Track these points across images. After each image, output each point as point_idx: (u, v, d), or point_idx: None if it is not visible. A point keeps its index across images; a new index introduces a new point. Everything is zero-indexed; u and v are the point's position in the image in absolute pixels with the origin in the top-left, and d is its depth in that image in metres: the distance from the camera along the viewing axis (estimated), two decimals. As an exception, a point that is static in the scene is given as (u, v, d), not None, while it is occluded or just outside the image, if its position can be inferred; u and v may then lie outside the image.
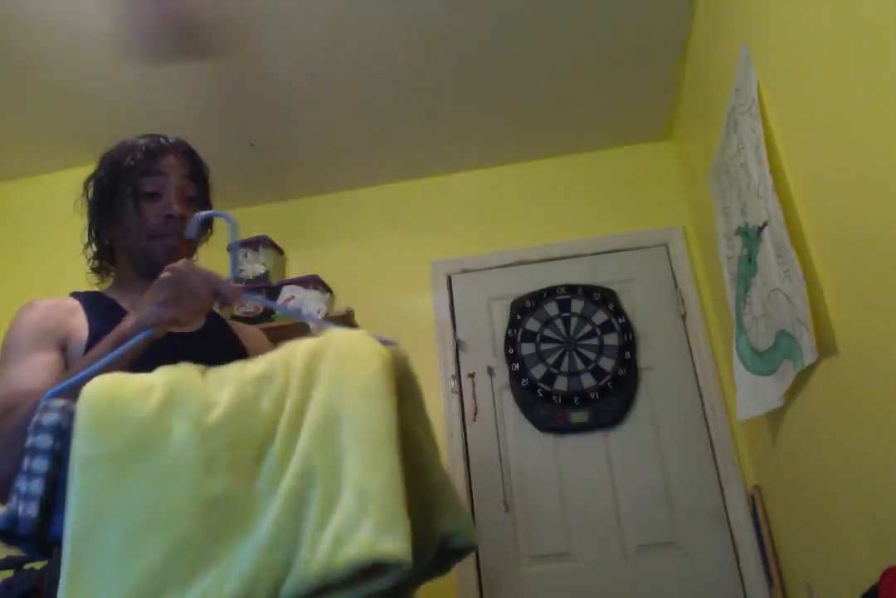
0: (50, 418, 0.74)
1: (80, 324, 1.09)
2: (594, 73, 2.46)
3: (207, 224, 1.26)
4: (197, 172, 1.20)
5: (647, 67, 2.45)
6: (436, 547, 0.77)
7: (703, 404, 2.50)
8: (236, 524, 0.67)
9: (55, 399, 0.77)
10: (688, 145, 2.64)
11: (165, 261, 1.12)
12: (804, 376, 1.55)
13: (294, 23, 2.10)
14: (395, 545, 0.63)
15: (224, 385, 0.77)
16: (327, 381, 0.75)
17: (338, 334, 0.81)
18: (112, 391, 0.74)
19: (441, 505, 0.77)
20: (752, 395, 1.92)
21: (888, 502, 1.25)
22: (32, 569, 1.73)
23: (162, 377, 0.77)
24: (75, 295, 1.18)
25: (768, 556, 2.11)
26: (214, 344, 1.17)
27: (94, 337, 1.05)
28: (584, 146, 2.91)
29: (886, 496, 1.25)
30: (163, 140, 1.19)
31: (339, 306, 2.81)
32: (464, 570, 2.40)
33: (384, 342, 0.82)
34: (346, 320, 2.64)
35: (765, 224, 1.62)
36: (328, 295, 2.82)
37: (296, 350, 0.80)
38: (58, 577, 0.66)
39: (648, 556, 2.36)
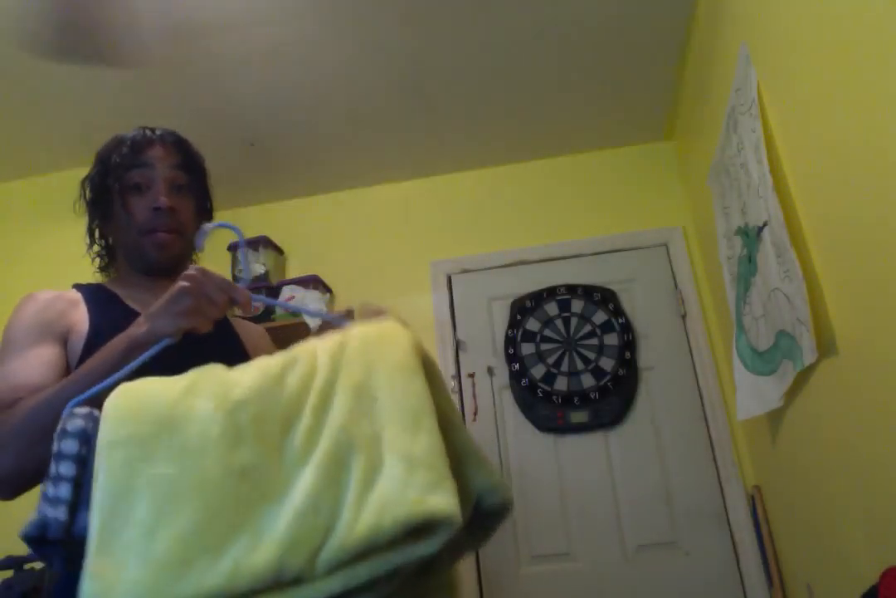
0: (75, 424, 0.75)
1: (81, 316, 1.07)
2: (594, 73, 2.46)
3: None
4: (188, 162, 1.16)
5: (646, 68, 2.45)
6: (471, 507, 0.77)
7: (703, 404, 2.50)
8: (266, 493, 0.67)
9: (79, 407, 0.78)
10: (688, 145, 2.64)
11: (158, 256, 1.12)
12: (804, 376, 1.55)
13: (294, 23, 2.10)
14: (444, 500, 0.63)
15: (248, 369, 0.78)
16: (358, 361, 0.76)
17: (361, 325, 0.83)
18: (139, 388, 0.76)
19: (472, 465, 0.77)
20: (752, 395, 1.92)
21: (888, 502, 1.25)
22: (32, 569, 1.73)
23: (189, 372, 0.78)
24: (77, 287, 1.17)
25: (768, 556, 2.11)
26: (216, 343, 1.15)
27: (96, 330, 1.04)
28: (584, 146, 2.91)
29: (886, 496, 1.25)
30: (149, 132, 1.16)
31: (339, 306, 2.81)
32: (464, 570, 2.40)
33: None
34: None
35: (765, 224, 1.62)
36: (328, 295, 2.82)
37: (317, 343, 0.81)
38: (56, 577, 0.66)
39: (648, 556, 2.36)
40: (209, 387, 0.75)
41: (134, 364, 0.86)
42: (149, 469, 0.68)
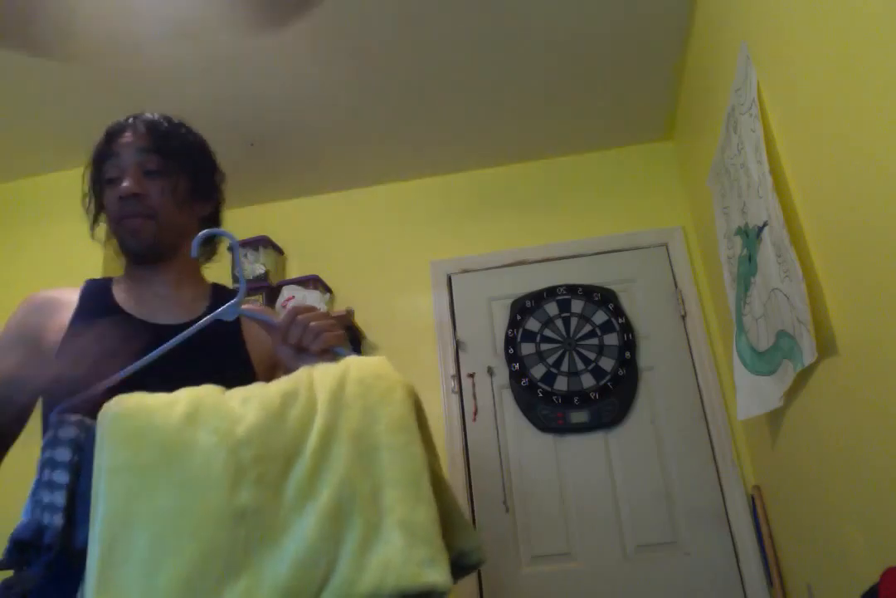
0: (67, 432, 0.77)
1: (62, 322, 1.08)
2: (594, 73, 2.46)
3: (207, 240, 1.18)
4: (160, 144, 1.12)
5: (647, 67, 2.45)
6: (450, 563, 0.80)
7: (703, 404, 2.50)
8: (264, 537, 0.69)
9: (69, 414, 0.79)
10: (688, 145, 2.64)
11: (132, 243, 1.11)
12: (804, 376, 1.55)
13: (293, 22, 2.10)
14: (440, 576, 0.68)
15: (248, 400, 0.79)
16: (357, 406, 0.78)
17: (356, 359, 0.86)
18: (136, 402, 0.76)
19: (457, 525, 0.80)
20: (752, 395, 1.92)
21: (888, 502, 1.25)
22: (32, 569, 1.73)
23: (183, 393, 0.79)
24: (86, 283, 1.18)
25: (768, 556, 2.11)
26: (214, 348, 1.10)
27: (70, 336, 1.05)
28: (584, 146, 2.91)
29: (886, 497, 1.25)
30: (123, 120, 1.15)
31: (339, 306, 2.81)
32: (464, 570, 2.40)
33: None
34: (346, 319, 2.64)
35: (765, 224, 1.62)
36: (328, 295, 2.82)
37: (315, 371, 0.83)
38: (33, 583, 0.67)
39: (648, 556, 2.36)
40: (211, 419, 0.75)
41: (136, 366, 0.86)
42: (149, 501, 0.69)
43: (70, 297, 1.13)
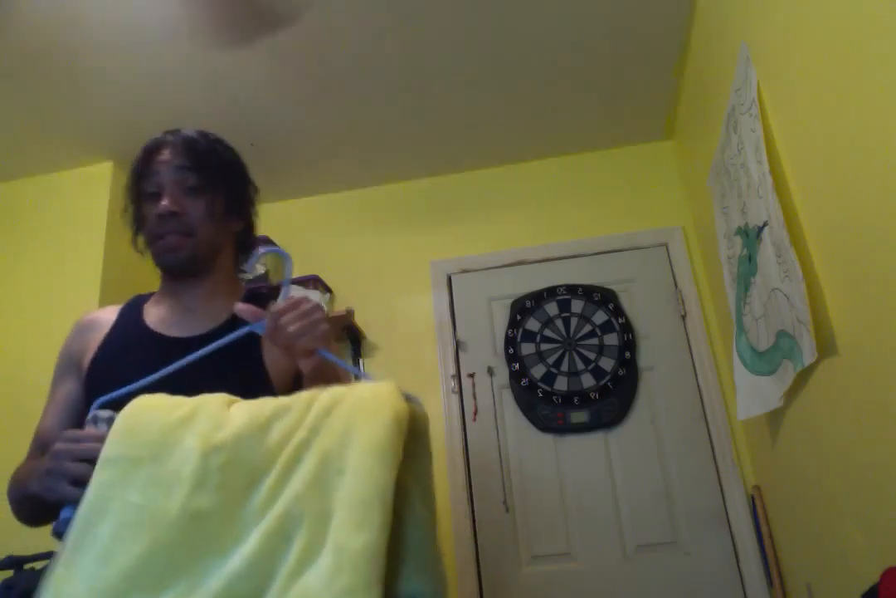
0: (101, 429, 0.83)
1: (97, 343, 1.14)
2: (594, 73, 2.46)
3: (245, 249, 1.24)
4: (197, 161, 1.14)
5: (647, 68, 2.45)
6: None
7: (703, 404, 2.50)
8: (212, 543, 0.69)
9: (103, 410, 0.85)
10: (688, 145, 2.64)
11: (168, 260, 1.13)
12: (804, 376, 1.55)
13: (294, 22, 2.10)
14: None
15: (244, 410, 0.80)
16: (336, 426, 0.76)
17: (365, 384, 0.83)
18: (148, 402, 0.80)
19: (413, 567, 0.74)
20: (752, 395, 1.92)
21: (888, 502, 1.25)
22: (33, 569, 1.73)
23: (194, 398, 0.82)
24: (132, 299, 1.23)
25: (768, 556, 2.11)
26: (230, 356, 1.06)
27: (98, 358, 1.11)
28: (584, 146, 2.91)
29: (886, 496, 1.25)
30: (161, 136, 1.16)
31: (339, 306, 2.81)
32: (464, 570, 2.40)
33: (408, 398, 0.81)
34: (346, 319, 2.64)
35: (765, 224, 1.62)
36: (328, 295, 2.82)
37: (323, 391, 0.82)
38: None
39: (648, 556, 2.36)
40: (202, 423, 0.76)
41: (163, 372, 0.90)
42: (123, 493, 0.71)
43: (110, 316, 1.18)
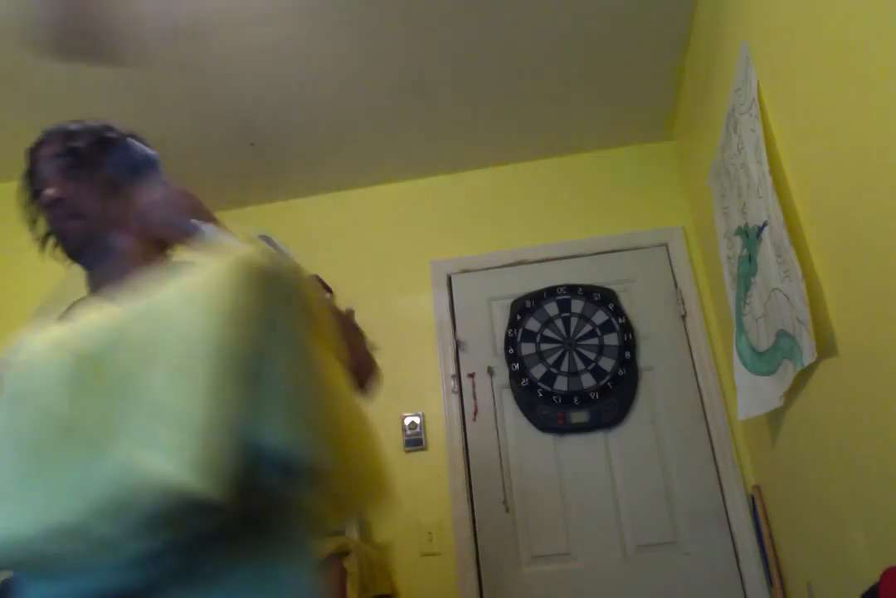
0: None
1: None
2: (594, 73, 2.46)
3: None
4: (73, 142, 1.10)
5: (647, 67, 2.45)
6: (244, 458, 0.64)
7: (703, 404, 2.50)
8: (79, 448, 0.66)
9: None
10: (688, 145, 2.64)
11: (65, 246, 1.11)
12: (804, 376, 1.55)
13: (293, 22, 2.10)
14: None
15: (100, 317, 0.76)
16: (167, 294, 0.71)
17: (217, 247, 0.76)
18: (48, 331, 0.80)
19: (278, 423, 0.65)
20: (752, 395, 1.92)
21: (888, 502, 1.25)
22: (32, 569, 1.73)
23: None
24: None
25: (768, 556, 2.11)
26: None
27: None
28: (584, 146, 2.90)
29: (886, 496, 1.25)
30: (38, 137, 1.14)
31: (340, 307, 2.80)
32: (464, 570, 2.40)
33: (268, 242, 0.76)
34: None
35: (765, 224, 1.62)
36: (328, 295, 2.81)
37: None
38: None
39: (648, 556, 2.36)
40: (65, 337, 0.76)
41: None
42: (5, 412, 0.72)
43: None
